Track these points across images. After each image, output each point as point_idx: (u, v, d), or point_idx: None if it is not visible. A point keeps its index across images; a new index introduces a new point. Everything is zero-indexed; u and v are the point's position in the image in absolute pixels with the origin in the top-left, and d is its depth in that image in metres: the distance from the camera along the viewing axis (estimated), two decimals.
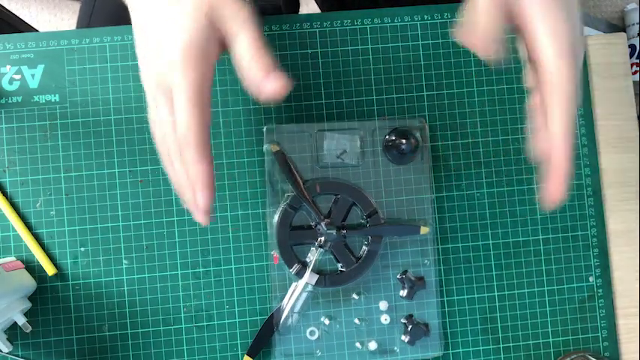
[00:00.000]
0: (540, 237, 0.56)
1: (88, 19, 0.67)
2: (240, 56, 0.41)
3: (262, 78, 0.40)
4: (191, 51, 0.39)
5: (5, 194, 0.53)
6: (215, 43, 0.41)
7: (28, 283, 0.51)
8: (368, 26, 0.57)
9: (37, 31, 0.96)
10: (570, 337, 0.56)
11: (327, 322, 0.54)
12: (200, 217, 0.41)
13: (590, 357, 0.54)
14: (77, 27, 0.70)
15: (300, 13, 0.77)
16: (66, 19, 1.42)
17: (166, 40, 0.40)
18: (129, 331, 0.53)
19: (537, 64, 0.41)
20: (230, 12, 0.40)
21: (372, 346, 0.54)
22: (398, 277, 0.55)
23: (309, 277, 0.53)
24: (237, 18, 0.40)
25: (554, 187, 0.42)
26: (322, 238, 0.53)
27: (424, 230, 0.54)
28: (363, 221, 0.54)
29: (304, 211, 0.54)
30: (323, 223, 0.53)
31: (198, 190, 0.40)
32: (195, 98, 0.39)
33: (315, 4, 0.88)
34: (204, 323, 0.54)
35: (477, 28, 0.40)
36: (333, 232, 0.53)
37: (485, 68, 0.57)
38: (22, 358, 0.52)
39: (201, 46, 0.39)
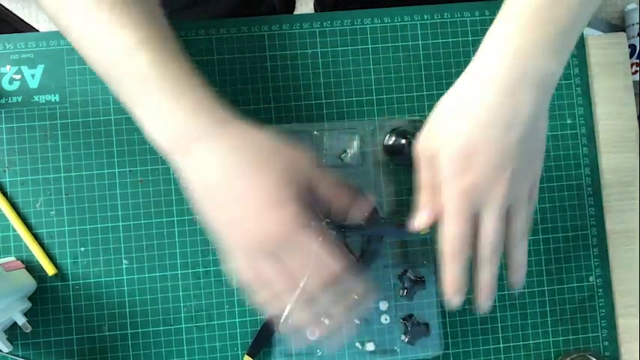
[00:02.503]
0: (540, 237, 0.56)
1: None
2: (326, 197, 0.44)
3: (351, 207, 0.46)
4: (297, 207, 0.41)
5: (5, 194, 0.53)
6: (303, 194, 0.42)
7: (28, 283, 0.51)
8: (368, 26, 0.57)
9: (37, 31, 0.96)
10: (570, 337, 0.56)
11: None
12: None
13: (590, 357, 0.54)
14: None
15: (299, 13, 0.77)
16: None
17: (263, 203, 0.40)
18: (129, 331, 0.53)
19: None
20: (306, 167, 0.43)
21: (370, 347, 0.54)
22: (398, 277, 0.55)
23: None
24: (313, 171, 0.43)
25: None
26: (322, 238, 0.53)
27: (424, 230, 0.54)
28: (363, 221, 0.54)
29: None
30: (323, 223, 0.53)
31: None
32: (328, 247, 0.42)
33: (315, 4, 0.88)
34: (204, 323, 0.54)
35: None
36: (334, 232, 0.53)
37: None
38: (22, 358, 0.52)
39: (300, 197, 0.41)
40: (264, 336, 0.53)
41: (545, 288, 0.56)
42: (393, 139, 0.54)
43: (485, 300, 0.45)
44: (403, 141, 0.54)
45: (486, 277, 0.44)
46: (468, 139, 0.41)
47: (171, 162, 0.42)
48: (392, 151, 0.54)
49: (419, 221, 0.46)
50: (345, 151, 0.55)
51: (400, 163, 0.55)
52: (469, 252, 0.44)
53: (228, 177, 0.40)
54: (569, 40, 0.42)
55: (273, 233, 0.41)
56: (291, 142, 0.43)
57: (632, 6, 1.39)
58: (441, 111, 0.44)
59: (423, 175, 0.45)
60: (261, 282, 0.43)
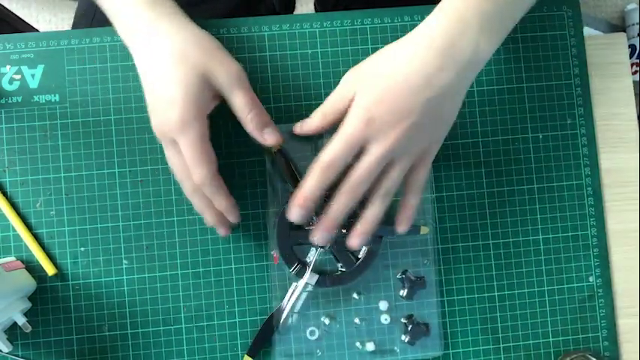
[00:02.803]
0: (540, 237, 0.56)
1: (90, 19, 0.66)
2: (238, 111, 0.48)
3: (258, 134, 0.49)
4: (189, 113, 0.45)
5: (5, 194, 0.53)
6: (210, 99, 0.48)
7: (28, 283, 0.51)
8: (368, 26, 0.57)
9: (37, 31, 0.96)
10: (570, 337, 0.56)
11: (327, 322, 0.54)
12: (223, 232, 0.51)
13: (590, 357, 0.54)
14: (73, 26, 0.70)
15: (299, 13, 0.77)
16: (66, 19, 1.42)
17: (166, 99, 0.46)
18: (129, 331, 0.53)
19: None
20: (222, 72, 0.47)
21: (370, 347, 0.54)
22: (398, 277, 0.55)
23: (309, 277, 0.53)
24: (230, 77, 0.47)
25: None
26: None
27: (424, 230, 0.54)
28: None
29: None
30: None
31: (228, 215, 0.50)
32: (198, 152, 0.46)
33: (315, 4, 0.88)
34: (204, 323, 0.54)
35: None
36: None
37: (485, 68, 0.57)
38: (22, 358, 0.52)
39: (197, 104, 0.46)
40: (264, 336, 0.53)
41: (545, 288, 0.56)
42: None
43: (351, 237, 0.49)
44: None
45: (337, 210, 0.47)
46: (387, 82, 0.45)
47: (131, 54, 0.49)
48: None
49: (307, 123, 0.51)
50: None
51: None
52: (334, 175, 0.46)
53: (153, 66, 0.47)
54: (503, 23, 0.47)
55: (169, 124, 0.46)
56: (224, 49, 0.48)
57: (632, 6, 1.39)
58: (378, 53, 0.48)
59: (335, 96, 0.49)
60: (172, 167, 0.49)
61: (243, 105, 0.48)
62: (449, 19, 0.45)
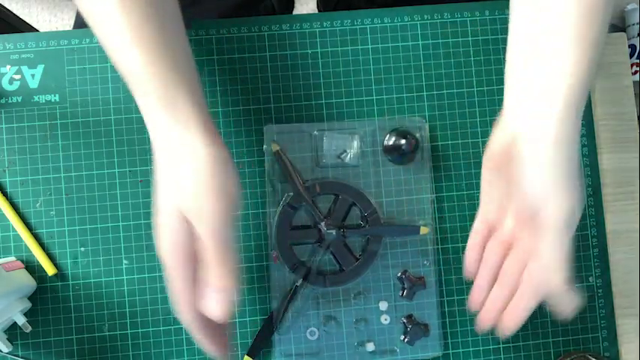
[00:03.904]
0: None
1: None
2: (204, 260, 0.42)
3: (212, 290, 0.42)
4: (172, 252, 0.42)
5: (5, 194, 0.53)
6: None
7: (28, 283, 0.51)
8: (368, 26, 0.57)
9: (37, 31, 0.96)
10: (570, 337, 0.56)
11: (326, 322, 0.54)
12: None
13: (590, 357, 0.54)
14: (75, 25, 0.70)
15: (298, 13, 0.77)
16: (66, 19, 1.42)
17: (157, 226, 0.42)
18: (129, 331, 0.53)
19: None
20: (195, 214, 0.41)
21: (370, 347, 0.54)
22: (398, 277, 0.55)
23: (308, 277, 0.53)
24: (201, 222, 0.41)
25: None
26: (322, 238, 0.53)
27: (424, 230, 0.54)
28: (362, 221, 0.54)
29: (304, 211, 0.54)
30: (323, 223, 0.53)
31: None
32: (183, 289, 0.42)
33: (315, 3, 0.88)
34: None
35: None
36: (333, 232, 0.53)
37: (485, 68, 0.57)
38: (22, 358, 0.52)
39: (180, 243, 0.42)
40: (264, 336, 0.53)
41: None
42: (393, 139, 0.54)
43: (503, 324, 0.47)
44: (403, 141, 0.54)
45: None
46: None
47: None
48: (392, 151, 0.54)
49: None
50: (345, 151, 0.55)
51: (400, 162, 0.55)
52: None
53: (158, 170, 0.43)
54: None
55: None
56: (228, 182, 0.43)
57: (632, 6, 1.39)
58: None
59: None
60: None
61: (209, 257, 0.42)
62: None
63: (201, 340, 0.45)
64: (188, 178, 0.41)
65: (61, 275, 0.53)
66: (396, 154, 0.54)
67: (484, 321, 0.48)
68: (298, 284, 0.53)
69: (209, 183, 0.41)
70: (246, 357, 0.53)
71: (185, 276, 0.42)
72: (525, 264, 0.45)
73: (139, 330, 0.53)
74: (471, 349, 0.55)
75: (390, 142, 0.54)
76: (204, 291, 0.42)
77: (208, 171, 0.42)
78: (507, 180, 0.45)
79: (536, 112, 0.42)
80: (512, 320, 0.46)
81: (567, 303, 0.44)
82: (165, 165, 0.43)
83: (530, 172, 0.42)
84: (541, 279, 0.44)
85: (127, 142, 0.54)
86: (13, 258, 0.53)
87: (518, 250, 0.46)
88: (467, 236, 0.55)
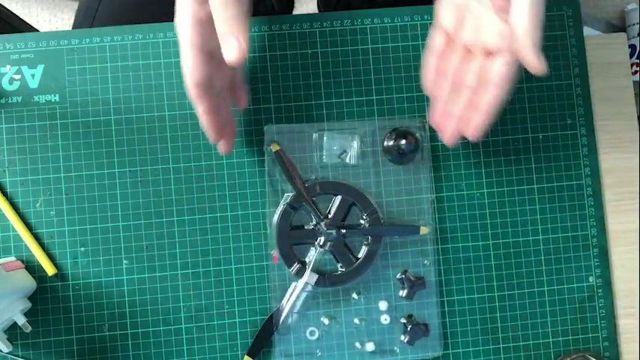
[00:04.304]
0: (540, 237, 0.56)
1: (90, 19, 0.66)
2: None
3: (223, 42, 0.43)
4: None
5: (5, 194, 0.53)
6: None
7: (28, 283, 0.51)
8: (368, 26, 0.57)
9: (37, 31, 0.96)
10: (570, 337, 0.56)
11: (327, 322, 0.54)
12: (224, 148, 0.51)
13: (590, 357, 0.54)
14: (74, 25, 0.70)
15: (298, 13, 0.77)
16: (66, 19, 1.42)
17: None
18: (129, 331, 0.53)
19: None
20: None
21: (370, 347, 0.54)
22: (398, 277, 0.55)
23: (308, 277, 0.53)
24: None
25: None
26: (322, 238, 0.53)
27: (424, 230, 0.54)
28: (362, 221, 0.54)
29: (304, 211, 0.54)
30: (323, 223, 0.53)
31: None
32: (201, 62, 0.44)
33: (315, 3, 0.88)
34: (204, 323, 0.54)
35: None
36: (333, 232, 0.53)
37: None
38: (22, 358, 0.52)
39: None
40: (264, 336, 0.53)
41: (545, 288, 0.56)
42: (393, 139, 0.54)
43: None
44: (403, 141, 0.54)
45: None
46: None
47: None
48: (392, 151, 0.54)
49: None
50: (345, 151, 0.55)
51: (400, 162, 0.55)
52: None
53: None
54: None
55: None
56: None
57: (632, 6, 1.39)
58: None
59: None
60: None
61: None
62: None
63: (210, 128, 0.47)
64: None
65: (61, 275, 0.53)
66: (396, 154, 0.54)
67: (448, 129, 0.49)
68: (298, 284, 0.53)
69: None
70: (246, 357, 0.53)
71: (203, 50, 0.44)
72: (486, 61, 0.46)
73: (139, 330, 0.53)
74: (470, 349, 0.55)
75: (390, 142, 0.54)
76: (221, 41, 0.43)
77: None
78: None
79: None
80: (478, 120, 0.47)
81: (536, 65, 0.42)
82: None
83: None
84: (510, 46, 0.43)
85: (127, 142, 0.54)
86: (13, 258, 0.52)
87: (477, 54, 0.47)
88: (467, 236, 0.56)
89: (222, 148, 0.51)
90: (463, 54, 0.49)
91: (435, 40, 0.50)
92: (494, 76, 0.46)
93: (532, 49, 0.42)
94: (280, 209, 0.53)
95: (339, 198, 0.54)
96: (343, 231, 0.53)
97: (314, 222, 0.54)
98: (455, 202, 0.56)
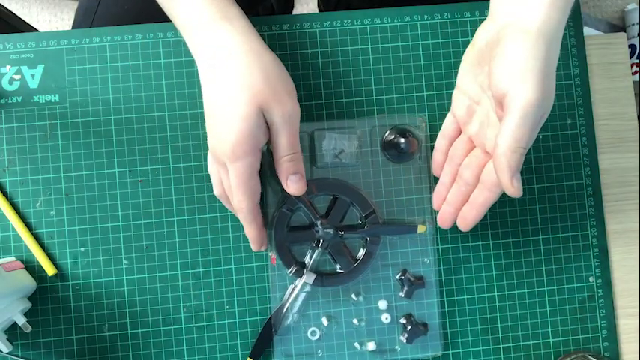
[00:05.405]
0: (540, 237, 0.56)
1: (90, 19, 0.66)
2: (277, 150, 0.47)
3: (284, 178, 0.48)
4: (242, 147, 0.44)
5: (5, 194, 0.53)
6: (264, 134, 0.46)
7: (28, 283, 0.51)
8: (368, 26, 0.57)
9: (37, 31, 0.96)
10: (570, 337, 0.56)
11: (327, 322, 0.54)
12: (254, 248, 0.51)
13: (590, 357, 0.54)
14: (74, 25, 0.70)
15: (299, 13, 0.77)
16: (66, 19, 1.42)
17: (223, 126, 0.45)
18: (129, 331, 0.53)
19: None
20: (279, 111, 0.45)
21: (371, 346, 0.54)
22: (397, 276, 0.55)
23: (307, 277, 0.53)
24: (284, 118, 0.45)
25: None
26: (320, 239, 0.53)
27: (422, 229, 0.54)
28: (361, 221, 0.54)
29: (302, 212, 0.54)
30: (320, 224, 0.53)
31: (253, 244, 0.50)
32: (243, 184, 0.46)
33: (315, 3, 0.88)
34: (204, 323, 0.54)
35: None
36: (331, 232, 0.53)
37: None
38: (22, 358, 0.52)
39: (252, 139, 0.45)
40: (265, 338, 0.53)
41: (545, 288, 0.56)
42: (393, 137, 0.54)
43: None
44: (403, 140, 0.54)
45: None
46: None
47: (187, 41, 0.48)
48: (391, 148, 0.54)
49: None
50: (343, 151, 0.55)
51: (399, 162, 0.55)
52: None
53: (215, 86, 0.46)
54: None
55: (222, 150, 0.45)
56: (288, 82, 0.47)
57: (632, 6, 1.39)
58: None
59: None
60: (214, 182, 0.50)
61: (284, 147, 0.46)
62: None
63: (253, 229, 0.49)
64: (264, 78, 0.45)
65: (61, 275, 0.53)
66: (395, 152, 0.54)
67: (443, 216, 0.51)
68: (297, 285, 0.53)
69: (285, 82, 0.46)
70: (248, 359, 0.53)
71: (255, 167, 0.46)
72: (485, 161, 0.48)
73: (139, 330, 0.53)
74: (470, 348, 0.55)
75: (389, 141, 0.54)
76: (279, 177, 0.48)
77: (280, 73, 0.47)
78: (485, 73, 0.46)
79: (522, 5, 0.43)
80: (470, 216, 0.48)
81: (509, 187, 0.43)
82: (233, 66, 0.45)
83: (506, 58, 0.43)
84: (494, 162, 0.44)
85: (127, 142, 0.54)
86: (13, 258, 0.53)
87: (480, 149, 0.49)
88: (467, 236, 0.56)
89: (263, 248, 0.51)
90: (469, 145, 0.50)
91: (447, 125, 0.52)
92: (488, 180, 0.47)
93: (506, 172, 0.42)
94: (278, 210, 0.53)
95: (337, 198, 0.54)
96: (341, 232, 0.53)
97: (311, 222, 0.54)
98: None
